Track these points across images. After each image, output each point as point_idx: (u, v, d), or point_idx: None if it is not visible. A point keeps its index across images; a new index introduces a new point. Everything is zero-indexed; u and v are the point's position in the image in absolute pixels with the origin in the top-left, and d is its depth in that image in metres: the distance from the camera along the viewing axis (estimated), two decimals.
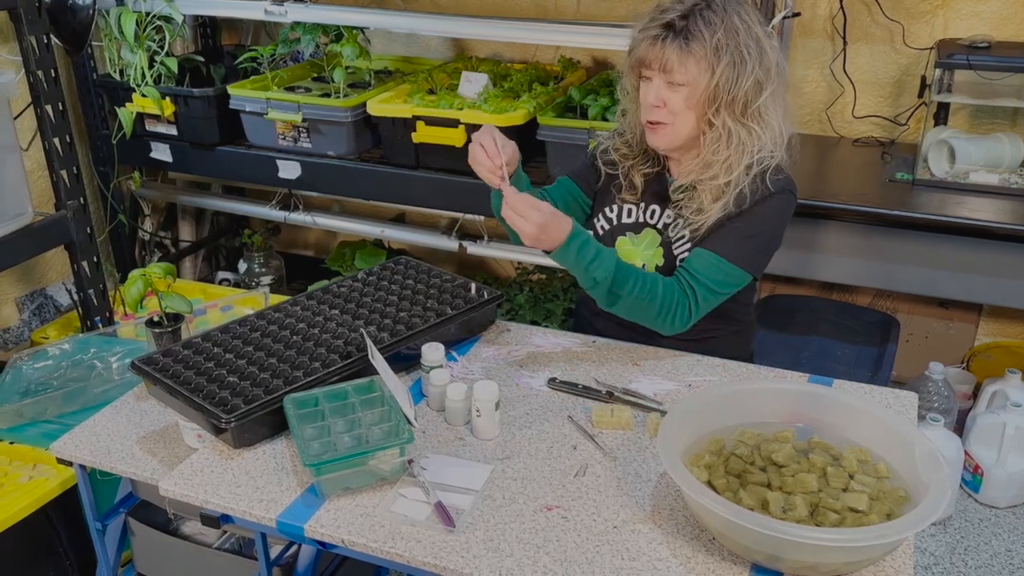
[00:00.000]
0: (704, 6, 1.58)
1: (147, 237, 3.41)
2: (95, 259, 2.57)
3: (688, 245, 1.72)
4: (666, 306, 1.63)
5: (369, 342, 1.60)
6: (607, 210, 1.83)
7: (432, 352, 1.64)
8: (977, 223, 2.26)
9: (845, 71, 2.76)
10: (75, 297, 2.62)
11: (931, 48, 2.61)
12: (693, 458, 1.35)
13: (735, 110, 1.60)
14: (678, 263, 1.72)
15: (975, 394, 2.73)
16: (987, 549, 2.26)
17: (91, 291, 2.57)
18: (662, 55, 1.58)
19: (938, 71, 2.43)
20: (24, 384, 2.13)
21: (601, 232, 1.84)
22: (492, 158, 1.57)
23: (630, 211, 1.81)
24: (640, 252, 1.78)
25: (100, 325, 2.60)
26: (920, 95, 2.64)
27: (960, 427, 2.56)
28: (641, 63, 1.63)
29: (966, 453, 2.43)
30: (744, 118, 1.61)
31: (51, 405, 2.08)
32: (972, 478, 2.44)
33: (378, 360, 1.56)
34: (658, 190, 1.78)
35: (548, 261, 2.77)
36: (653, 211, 1.78)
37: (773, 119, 1.63)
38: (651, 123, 1.66)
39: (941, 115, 2.59)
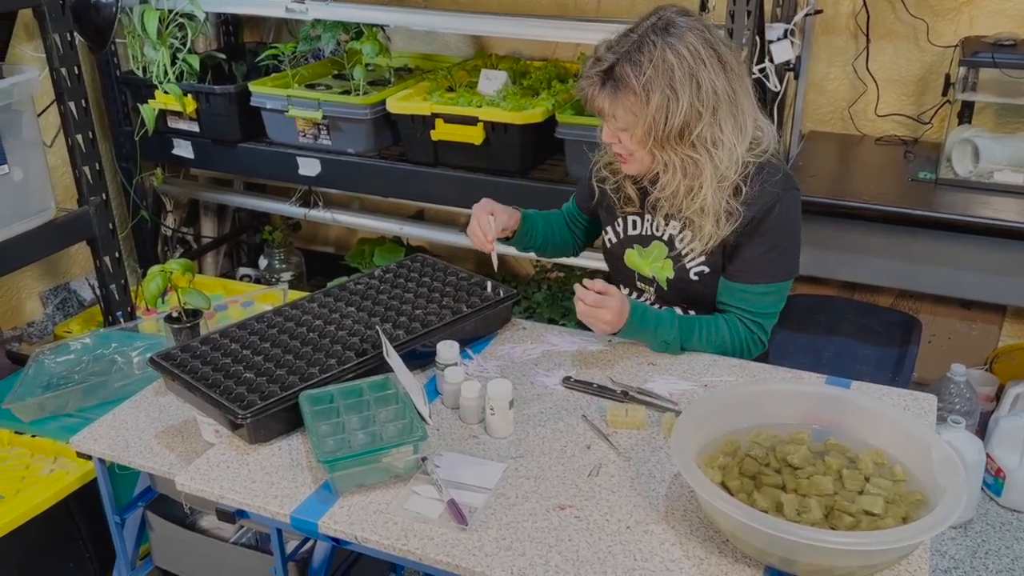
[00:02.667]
0: (635, 48, 1.56)
1: (169, 233, 3.44)
2: (117, 255, 2.59)
3: (703, 259, 1.72)
4: (738, 345, 1.73)
5: (384, 339, 1.60)
6: (616, 223, 1.85)
7: (447, 350, 1.64)
8: (1001, 223, 2.23)
9: (868, 69, 2.74)
10: (97, 292, 2.65)
11: (956, 46, 2.58)
12: (707, 459, 1.34)
13: (676, 142, 1.60)
14: (691, 276, 1.74)
15: (998, 396, 2.70)
16: (1008, 553, 2.24)
17: (113, 286, 2.60)
18: (597, 104, 1.62)
19: (962, 69, 2.41)
20: (46, 378, 2.16)
21: (609, 245, 1.87)
22: (485, 233, 1.79)
23: (635, 223, 1.82)
24: (649, 264, 1.80)
25: (122, 320, 2.63)
26: (944, 93, 2.61)
27: (982, 429, 2.53)
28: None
29: (988, 456, 2.41)
30: (689, 148, 1.60)
31: (72, 399, 2.10)
32: (994, 481, 2.41)
33: (393, 358, 1.56)
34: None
35: (566, 259, 2.77)
36: (658, 223, 1.78)
37: (725, 136, 1.60)
38: (619, 156, 1.71)
39: (965, 114, 2.56)
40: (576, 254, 2.08)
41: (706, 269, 1.73)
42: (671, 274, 1.76)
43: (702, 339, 1.72)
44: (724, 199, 1.64)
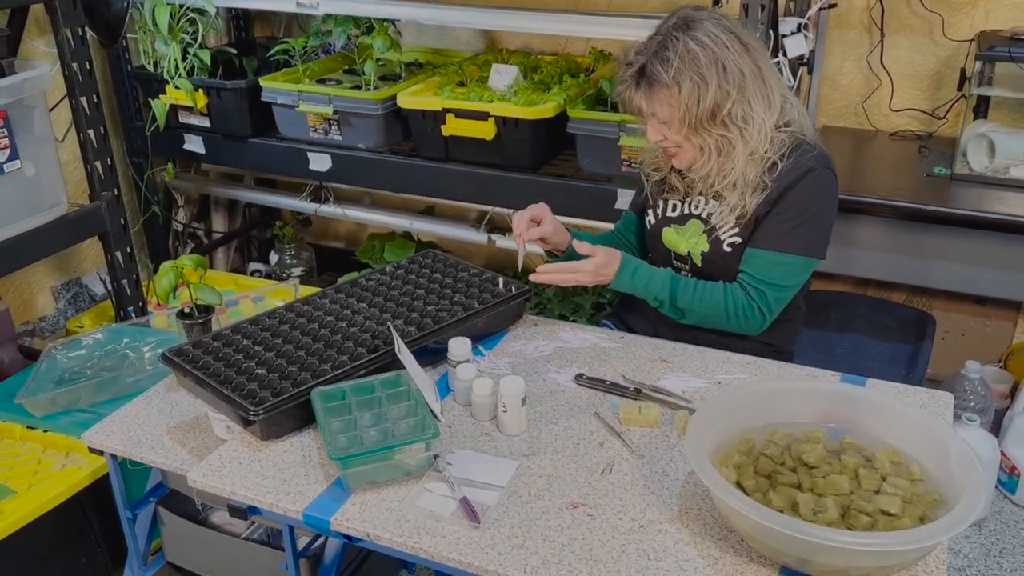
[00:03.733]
0: (661, 46, 1.65)
1: (181, 228, 3.44)
2: (128, 250, 2.59)
3: (736, 230, 1.76)
4: (732, 312, 1.74)
5: (396, 336, 1.59)
6: (656, 206, 1.90)
7: (459, 346, 1.64)
8: (1017, 219, 2.21)
9: (882, 63, 2.72)
10: (109, 287, 2.65)
11: (971, 40, 2.55)
12: (722, 457, 1.33)
13: (709, 123, 1.67)
14: (725, 248, 1.77)
15: (1013, 393, 2.68)
16: (1023, 552, 2.22)
17: (124, 281, 2.60)
18: (635, 104, 1.71)
19: (978, 63, 2.38)
20: (58, 373, 2.16)
21: (648, 226, 1.92)
22: (516, 227, 1.81)
23: (675, 206, 1.87)
24: (685, 240, 1.84)
25: (133, 315, 2.63)
26: (959, 88, 2.59)
27: (997, 427, 2.51)
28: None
29: (1002, 454, 2.39)
30: (721, 127, 1.67)
31: (84, 394, 2.11)
32: (1008, 479, 2.40)
33: (405, 354, 1.56)
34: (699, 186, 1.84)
35: None
36: (698, 202, 1.83)
37: (755, 112, 1.67)
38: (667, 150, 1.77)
39: (981, 108, 2.54)
40: None
41: (739, 240, 1.76)
42: (706, 247, 1.80)
43: (696, 296, 1.75)
44: (755, 172, 1.70)
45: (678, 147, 1.73)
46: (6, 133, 2.24)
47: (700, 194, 1.82)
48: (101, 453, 1.66)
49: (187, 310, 1.87)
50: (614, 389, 1.63)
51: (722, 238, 1.77)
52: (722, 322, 1.76)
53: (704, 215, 1.81)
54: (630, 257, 1.77)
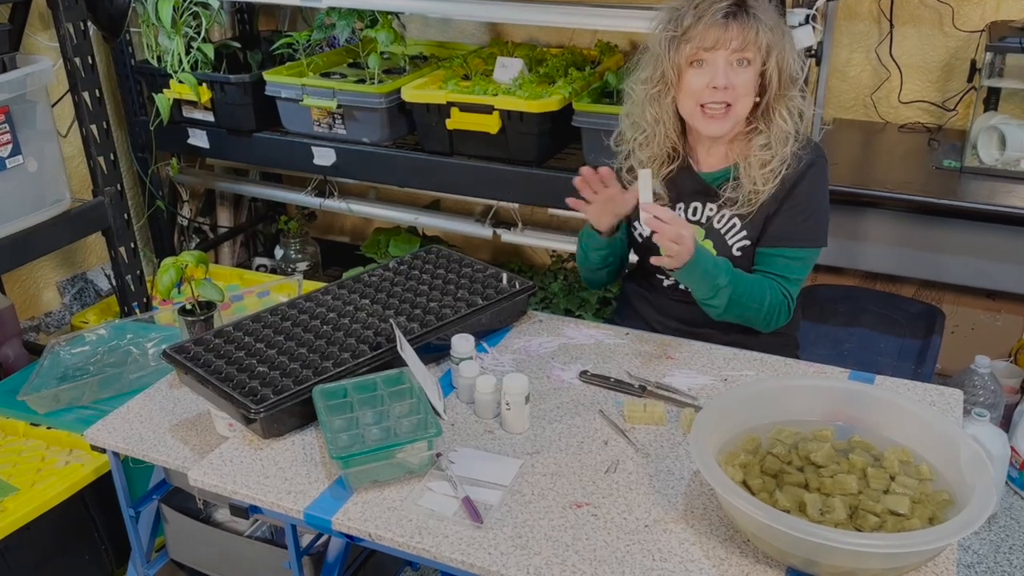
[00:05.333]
0: None
1: (186, 223, 3.43)
2: (132, 245, 2.59)
3: (744, 233, 1.74)
4: (770, 308, 1.72)
5: (399, 333, 1.58)
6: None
7: (462, 343, 1.62)
8: None
9: (891, 55, 2.68)
10: (113, 283, 2.65)
11: (982, 31, 2.52)
12: (728, 456, 1.31)
13: (780, 76, 1.66)
14: (734, 252, 1.75)
15: (1023, 388, 2.65)
16: None
17: (128, 277, 2.59)
18: (739, 33, 1.61)
19: (989, 55, 2.35)
20: (62, 369, 2.16)
21: (641, 239, 1.86)
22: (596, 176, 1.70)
23: None
24: None
25: (138, 311, 2.62)
26: (969, 80, 2.56)
27: (1007, 422, 2.49)
28: (703, 46, 1.63)
29: (1012, 449, 2.37)
30: (787, 84, 1.67)
31: (87, 391, 2.10)
32: (1019, 475, 2.37)
33: (407, 351, 1.54)
34: (693, 187, 1.79)
35: None
36: (695, 208, 1.79)
37: (799, 83, 1.71)
38: (710, 109, 1.66)
39: (991, 100, 2.51)
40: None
41: (747, 243, 1.74)
42: (713, 253, 1.76)
43: (748, 291, 1.68)
44: (790, 140, 1.69)
45: (735, 101, 1.64)
46: (8, 128, 2.23)
47: (695, 198, 1.78)
48: (103, 451, 1.66)
49: (189, 306, 1.85)
50: (619, 386, 1.61)
51: (730, 243, 1.75)
52: (757, 318, 1.72)
53: (703, 220, 1.78)
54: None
